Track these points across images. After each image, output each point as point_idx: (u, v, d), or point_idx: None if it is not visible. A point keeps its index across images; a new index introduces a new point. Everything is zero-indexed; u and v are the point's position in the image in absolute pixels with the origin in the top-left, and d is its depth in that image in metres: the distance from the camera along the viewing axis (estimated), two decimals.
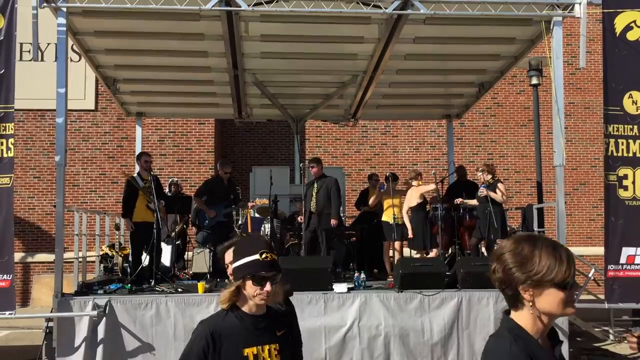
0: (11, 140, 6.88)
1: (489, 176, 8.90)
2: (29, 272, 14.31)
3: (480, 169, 9.19)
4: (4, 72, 6.92)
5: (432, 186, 9.30)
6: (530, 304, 1.85)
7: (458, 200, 9.26)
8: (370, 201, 9.74)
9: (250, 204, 9.83)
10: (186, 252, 10.85)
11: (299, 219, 9.18)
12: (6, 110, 6.90)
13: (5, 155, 6.84)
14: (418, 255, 9.18)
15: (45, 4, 7.01)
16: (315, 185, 9.06)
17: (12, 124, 6.94)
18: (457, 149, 14.44)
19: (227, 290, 2.49)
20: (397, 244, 9.19)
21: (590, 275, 9.99)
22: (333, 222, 8.94)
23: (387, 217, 9.21)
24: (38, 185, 14.68)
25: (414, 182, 9.31)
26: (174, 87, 10.41)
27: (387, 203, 9.28)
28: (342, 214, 11.74)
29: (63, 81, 7.17)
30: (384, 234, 9.25)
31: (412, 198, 9.17)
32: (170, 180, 11.53)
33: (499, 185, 8.81)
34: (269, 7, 7.25)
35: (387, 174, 9.46)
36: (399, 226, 9.05)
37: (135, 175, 8.71)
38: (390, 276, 8.81)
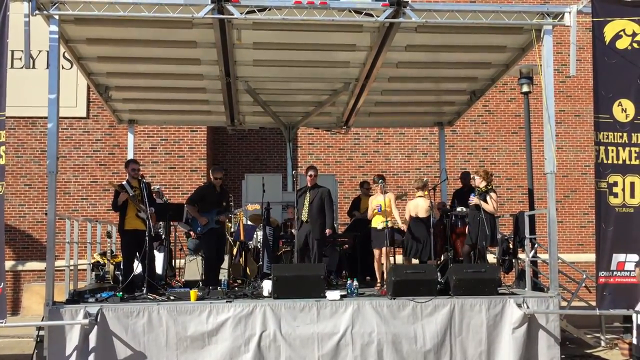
0: (2, 148, 6.86)
1: (483, 183, 8.91)
2: (19, 280, 14.20)
3: (477, 172, 9.14)
4: None
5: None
6: None
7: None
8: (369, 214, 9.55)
9: (239, 211, 9.78)
10: (174, 260, 10.78)
11: (292, 230, 9.04)
12: None
13: None
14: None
15: (37, 12, 7.01)
16: (309, 194, 9.03)
17: (4, 131, 6.92)
18: (448, 156, 14.50)
19: None
20: (388, 251, 9.14)
21: (581, 282, 10.03)
22: (328, 231, 8.92)
23: (375, 222, 9.11)
24: (29, 193, 14.61)
25: (420, 192, 9.24)
26: (166, 95, 10.41)
27: (374, 206, 9.10)
28: (335, 222, 11.76)
29: (55, 87, 7.17)
30: (373, 241, 9.14)
31: (421, 209, 9.13)
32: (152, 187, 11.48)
33: (492, 194, 8.82)
34: (261, 15, 7.28)
35: (375, 177, 9.35)
36: (390, 231, 8.96)
37: (124, 183, 8.67)
38: (378, 284, 8.73)
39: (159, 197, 10.99)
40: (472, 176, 9.33)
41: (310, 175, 9.11)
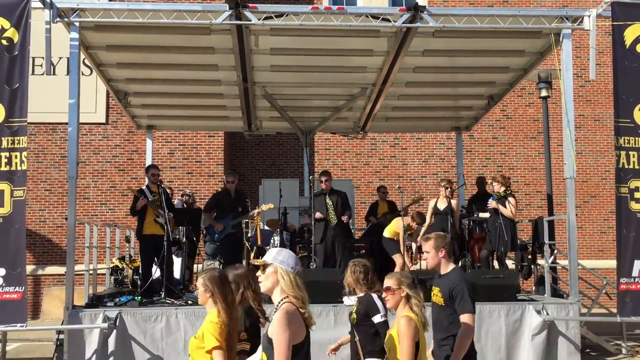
0: (24, 153, 6.96)
1: (502, 188, 8.86)
2: (39, 284, 14.35)
3: (495, 178, 9.12)
4: (18, 86, 7.01)
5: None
6: None
7: (492, 204, 8.97)
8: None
9: (256, 211, 9.68)
10: (194, 265, 10.82)
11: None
12: (20, 124, 6.99)
13: (19, 168, 6.91)
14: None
15: (58, 19, 7.12)
16: (330, 198, 9.16)
17: (25, 137, 7.03)
18: (466, 161, 14.40)
19: None
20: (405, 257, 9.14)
21: (602, 288, 9.91)
22: (345, 218, 9.28)
23: (389, 233, 9.12)
24: (49, 198, 14.77)
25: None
26: (184, 101, 10.48)
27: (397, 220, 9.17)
28: (351, 227, 11.74)
29: (75, 93, 7.28)
30: (389, 250, 9.13)
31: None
32: (183, 191, 11.57)
33: (510, 199, 8.76)
34: (278, 20, 7.31)
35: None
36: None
37: (143, 188, 8.75)
38: None
39: (191, 200, 11.07)
40: (490, 182, 9.28)
41: (326, 180, 9.26)
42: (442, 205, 9.30)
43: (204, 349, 3.46)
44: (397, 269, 8.79)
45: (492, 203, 8.79)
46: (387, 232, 9.21)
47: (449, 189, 9.30)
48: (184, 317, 6.95)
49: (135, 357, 6.85)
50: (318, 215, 9.09)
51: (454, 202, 9.36)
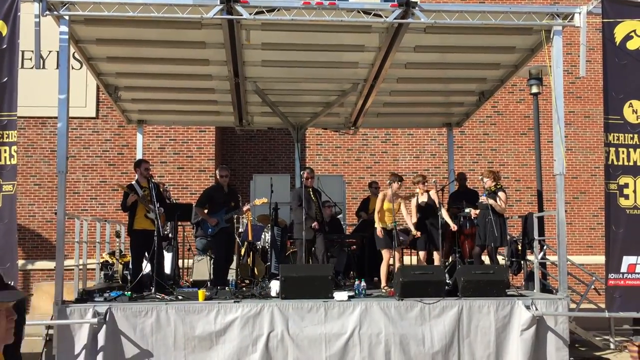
0: (14, 147, 6.91)
1: (493, 183, 8.91)
2: (29, 279, 14.28)
3: (484, 174, 9.18)
4: (7, 80, 6.95)
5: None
6: None
7: (484, 200, 9.01)
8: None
9: (246, 207, 9.62)
10: (181, 260, 10.79)
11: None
12: (9, 118, 6.93)
13: (8, 162, 6.86)
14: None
15: (47, 12, 7.06)
16: (314, 195, 9.16)
17: (15, 131, 6.97)
18: (457, 157, 14.45)
19: None
20: (397, 253, 9.11)
21: (590, 284, 9.98)
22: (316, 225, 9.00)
23: (382, 224, 9.04)
24: (39, 193, 14.69)
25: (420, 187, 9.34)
26: (175, 95, 10.44)
27: (386, 207, 9.05)
28: (342, 222, 11.75)
29: (65, 87, 7.22)
30: (378, 243, 9.02)
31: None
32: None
33: (500, 193, 8.81)
34: (270, 15, 7.29)
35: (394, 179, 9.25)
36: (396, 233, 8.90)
37: (133, 183, 8.71)
38: (385, 288, 8.49)
39: (168, 194, 11.01)
40: (481, 178, 9.32)
41: (311, 178, 9.21)
42: (423, 199, 9.33)
43: None
44: (384, 263, 8.80)
45: (484, 199, 8.82)
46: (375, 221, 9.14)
47: (424, 183, 9.39)
48: (174, 313, 6.94)
49: (125, 353, 6.83)
50: (316, 225, 8.97)
51: (432, 193, 9.33)
